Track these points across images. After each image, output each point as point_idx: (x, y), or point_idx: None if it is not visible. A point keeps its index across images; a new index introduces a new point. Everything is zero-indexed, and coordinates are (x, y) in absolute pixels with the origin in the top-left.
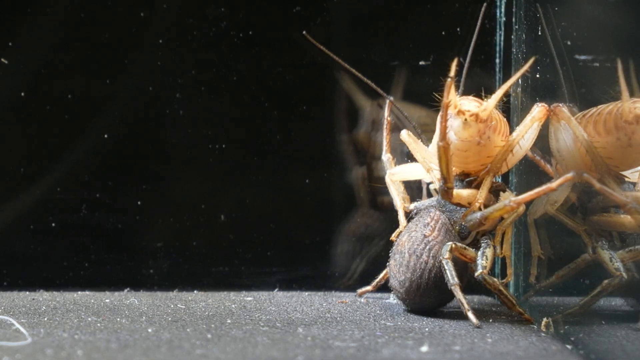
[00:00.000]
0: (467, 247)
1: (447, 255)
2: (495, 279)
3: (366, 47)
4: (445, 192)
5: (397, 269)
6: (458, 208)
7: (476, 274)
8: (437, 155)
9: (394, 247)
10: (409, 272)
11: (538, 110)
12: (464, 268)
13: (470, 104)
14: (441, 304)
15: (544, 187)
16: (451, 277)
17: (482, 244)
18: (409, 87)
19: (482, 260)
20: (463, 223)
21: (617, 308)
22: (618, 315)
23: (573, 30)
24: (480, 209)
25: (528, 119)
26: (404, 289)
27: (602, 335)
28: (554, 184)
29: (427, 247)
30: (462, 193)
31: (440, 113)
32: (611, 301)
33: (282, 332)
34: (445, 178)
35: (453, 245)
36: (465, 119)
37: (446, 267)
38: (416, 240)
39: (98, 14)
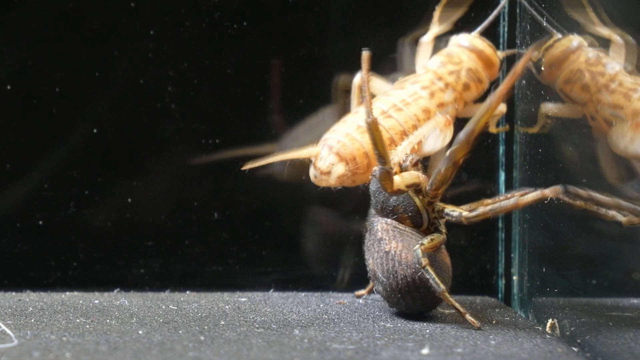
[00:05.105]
0: (432, 238)
1: (424, 262)
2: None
3: (364, 38)
4: (385, 175)
5: (386, 294)
6: (399, 207)
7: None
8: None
9: (369, 269)
10: (399, 292)
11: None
12: (443, 269)
13: (325, 159)
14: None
15: (512, 72)
16: (436, 285)
17: (437, 223)
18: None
19: (451, 212)
20: (444, 166)
21: (624, 309)
22: (625, 317)
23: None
24: (440, 171)
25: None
26: (404, 306)
27: (609, 337)
28: (518, 67)
29: (397, 261)
30: (403, 175)
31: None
32: (619, 302)
33: (278, 334)
34: (383, 157)
35: (422, 247)
36: (315, 176)
37: (428, 277)
38: (382, 261)
39: (87, 4)
